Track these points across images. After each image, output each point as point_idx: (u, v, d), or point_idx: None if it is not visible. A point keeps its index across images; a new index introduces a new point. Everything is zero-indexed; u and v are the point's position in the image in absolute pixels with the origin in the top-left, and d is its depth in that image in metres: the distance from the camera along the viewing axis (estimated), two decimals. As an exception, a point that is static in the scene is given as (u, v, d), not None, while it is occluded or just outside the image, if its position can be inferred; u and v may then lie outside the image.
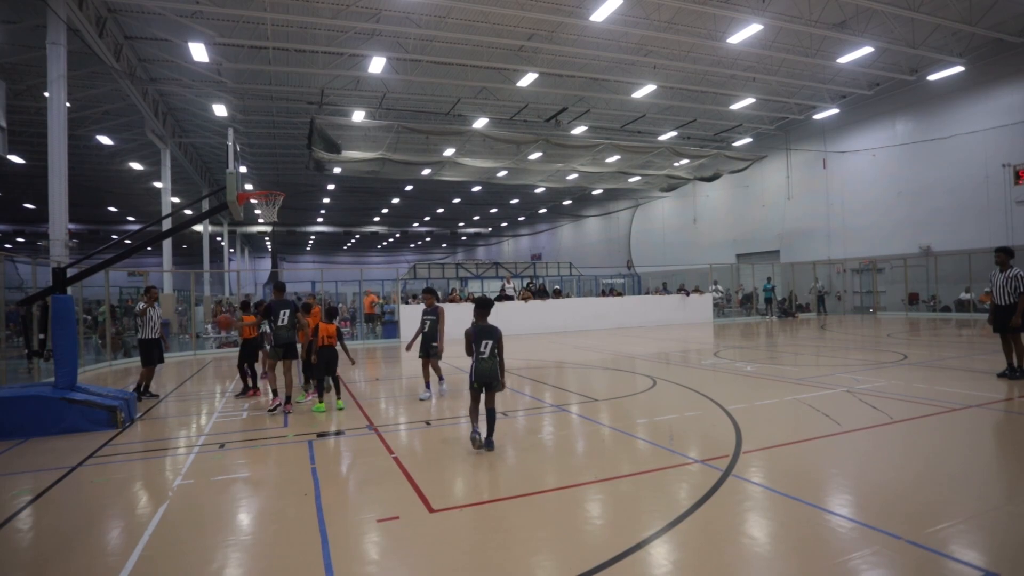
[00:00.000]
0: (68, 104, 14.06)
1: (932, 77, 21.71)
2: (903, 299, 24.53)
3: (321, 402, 8.06)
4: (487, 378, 5.57)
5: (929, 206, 23.49)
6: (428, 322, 8.53)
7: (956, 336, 15.74)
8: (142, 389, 9.39)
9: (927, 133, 23.56)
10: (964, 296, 22.37)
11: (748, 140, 30.89)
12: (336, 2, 15.55)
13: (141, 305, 9.63)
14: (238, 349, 10.10)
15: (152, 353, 9.47)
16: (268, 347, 8.59)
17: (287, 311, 8.20)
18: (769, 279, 27.20)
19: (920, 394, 7.75)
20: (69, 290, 7.94)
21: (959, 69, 20.74)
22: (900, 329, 18.37)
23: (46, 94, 13.73)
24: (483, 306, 5.88)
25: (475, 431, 5.71)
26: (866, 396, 7.70)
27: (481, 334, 5.65)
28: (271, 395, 8.45)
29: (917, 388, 8.19)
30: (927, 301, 24.08)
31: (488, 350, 5.59)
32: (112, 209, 42.91)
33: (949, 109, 22.78)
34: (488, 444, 5.63)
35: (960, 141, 22.37)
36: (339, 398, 8.39)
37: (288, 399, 8.03)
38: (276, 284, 8.80)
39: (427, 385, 8.64)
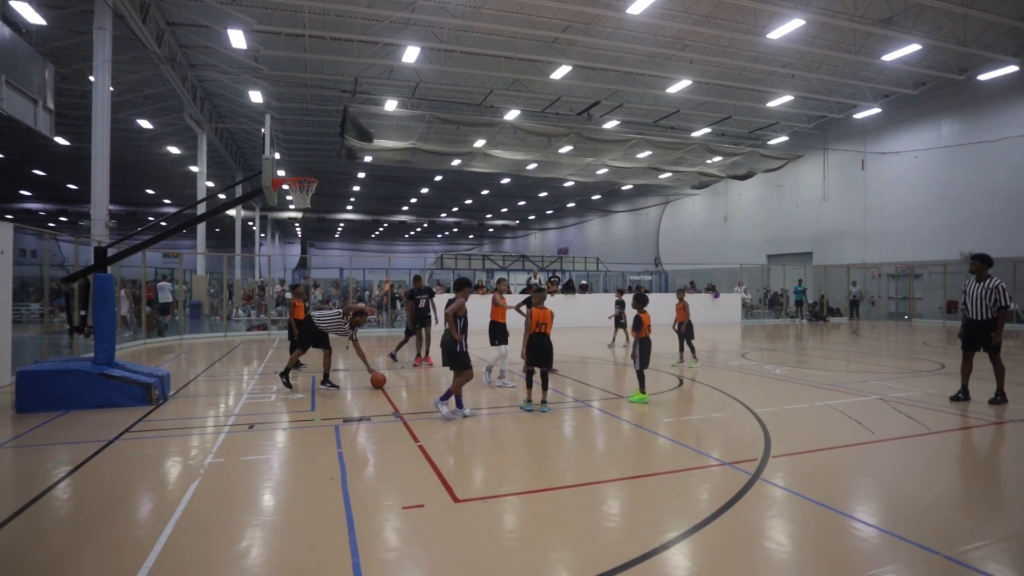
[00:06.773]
0: (111, 88, 14.43)
1: (983, 77, 20.84)
2: (941, 307, 23.75)
3: (643, 392, 7.66)
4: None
5: (973, 211, 22.64)
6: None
7: (996, 347, 15.14)
8: (287, 373, 8.83)
9: (975, 135, 22.67)
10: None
11: (784, 138, 30.16)
12: (373, -9, 15.64)
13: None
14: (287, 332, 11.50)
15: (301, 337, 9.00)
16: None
17: (424, 296, 11.17)
18: (800, 281, 26.59)
19: (958, 405, 7.50)
20: (109, 269, 8.16)
21: (1012, 69, 19.85)
22: (937, 337, 17.81)
23: (91, 78, 14.11)
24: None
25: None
26: (900, 405, 7.48)
27: None
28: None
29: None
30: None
31: None
32: (149, 191, 44.09)
33: (1000, 111, 21.87)
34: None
35: (1010, 144, 21.47)
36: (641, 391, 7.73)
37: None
38: (415, 278, 11.91)
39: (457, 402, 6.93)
